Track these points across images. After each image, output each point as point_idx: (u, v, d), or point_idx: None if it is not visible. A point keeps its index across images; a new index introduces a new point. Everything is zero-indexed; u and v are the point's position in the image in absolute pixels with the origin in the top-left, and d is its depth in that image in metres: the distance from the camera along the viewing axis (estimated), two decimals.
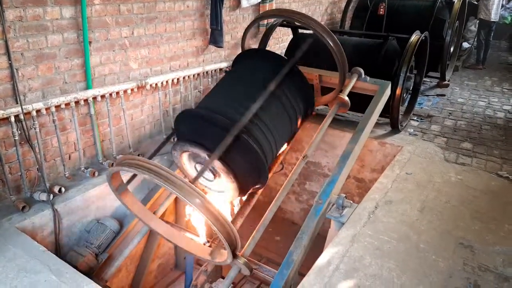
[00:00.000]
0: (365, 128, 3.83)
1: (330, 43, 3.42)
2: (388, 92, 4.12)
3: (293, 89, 3.51)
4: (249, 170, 3.14)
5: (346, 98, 3.89)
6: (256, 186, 3.36)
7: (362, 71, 4.11)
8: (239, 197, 3.45)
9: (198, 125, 3.13)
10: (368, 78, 4.13)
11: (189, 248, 3.14)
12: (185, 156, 3.28)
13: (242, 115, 3.02)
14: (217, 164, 3.01)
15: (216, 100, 3.41)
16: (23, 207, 3.19)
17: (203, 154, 3.06)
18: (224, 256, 2.80)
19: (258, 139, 3.13)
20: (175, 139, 3.65)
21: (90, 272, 3.31)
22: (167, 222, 3.52)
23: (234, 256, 2.74)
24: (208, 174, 3.17)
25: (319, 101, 4.17)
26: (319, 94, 4.25)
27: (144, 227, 3.41)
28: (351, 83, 4.04)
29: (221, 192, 3.32)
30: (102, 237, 3.51)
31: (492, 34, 8.70)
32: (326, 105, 4.27)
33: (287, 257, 2.94)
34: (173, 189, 2.31)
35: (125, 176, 2.96)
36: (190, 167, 3.35)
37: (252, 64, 3.64)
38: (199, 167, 3.23)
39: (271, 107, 3.31)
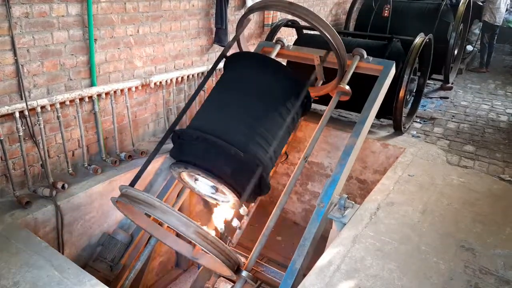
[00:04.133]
0: (368, 115, 3.69)
1: (322, 30, 3.21)
2: (392, 72, 3.94)
3: (287, 94, 3.35)
4: (250, 185, 3.02)
5: (347, 87, 3.70)
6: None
7: (364, 51, 3.89)
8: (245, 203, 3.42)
9: (194, 148, 3.02)
10: (371, 58, 3.92)
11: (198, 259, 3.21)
12: (184, 173, 3.25)
13: (239, 133, 2.94)
14: (218, 184, 2.97)
15: (210, 117, 3.21)
16: (26, 203, 3.20)
17: (202, 176, 3.02)
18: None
19: (259, 157, 2.99)
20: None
21: (107, 284, 3.31)
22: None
23: (238, 271, 2.74)
24: (210, 188, 3.17)
25: (319, 91, 4.01)
26: (321, 76, 4.10)
27: (153, 238, 3.51)
28: (353, 65, 3.84)
29: (227, 202, 3.31)
30: (115, 250, 3.64)
31: (495, 38, 8.71)
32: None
33: (291, 265, 2.93)
34: (168, 221, 2.40)
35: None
36: (190, 181, 3.33)
37: (243, 70, 3.49)
38: (199, 183, 3.22)
39: (266, 115, 3.17)
